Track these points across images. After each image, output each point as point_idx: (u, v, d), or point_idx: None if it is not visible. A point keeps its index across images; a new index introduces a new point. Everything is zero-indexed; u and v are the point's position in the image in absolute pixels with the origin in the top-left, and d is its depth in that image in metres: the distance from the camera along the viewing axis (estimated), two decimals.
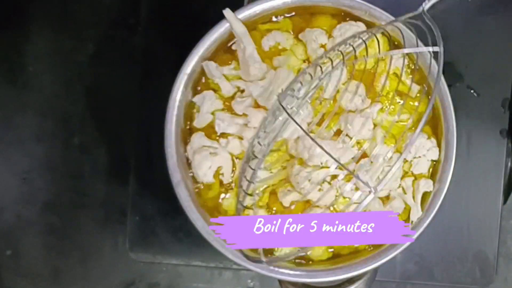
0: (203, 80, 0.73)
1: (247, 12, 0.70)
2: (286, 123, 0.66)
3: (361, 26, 0.71)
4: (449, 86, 0.69)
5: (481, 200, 0.81)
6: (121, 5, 0.95)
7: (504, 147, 0.81)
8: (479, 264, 0.82)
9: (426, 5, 0.63)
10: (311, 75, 0.64)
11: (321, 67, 0.65)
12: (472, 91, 0.82)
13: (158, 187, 0.85)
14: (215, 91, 0.72)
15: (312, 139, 0.56)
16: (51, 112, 0.95)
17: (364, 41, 0.64)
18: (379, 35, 0.71)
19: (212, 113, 0.72)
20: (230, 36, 0.72)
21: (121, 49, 0.94)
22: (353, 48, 0.65)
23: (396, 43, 0.71)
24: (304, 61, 0.72)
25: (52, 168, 0.95)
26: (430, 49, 0.57)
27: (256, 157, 0.64)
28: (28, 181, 0.95)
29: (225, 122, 0.70)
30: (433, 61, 0.61)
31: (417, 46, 0.59)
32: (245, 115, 0.70)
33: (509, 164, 0.81)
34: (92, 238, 0.94)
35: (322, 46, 0.71)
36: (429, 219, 0.68)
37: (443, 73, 0.68)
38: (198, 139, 0.71)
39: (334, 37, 0.71)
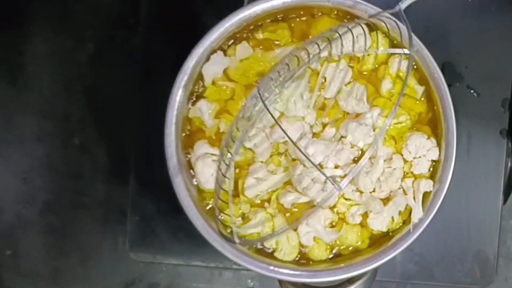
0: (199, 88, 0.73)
1: (247, 12, 0.70)
2: (263, 111, 0.66)
3: (363, 26, 0.71)
4: (449, 86, 0.69)
5: (481, 200, 0.81)
6: (121, 5, 0.95)
7: (504, 147, 0.81)
8: (479, 264, 0.82)
9: (403, 4, 0.63)
10: (288, 65, 0.64)
11: (298, 58, 0.65)
12: (472, 91, 0.82)
13: (158, 187, 0.85)
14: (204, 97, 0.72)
15: (283, 130, 0.56)
16: (51, 112, 0.95)
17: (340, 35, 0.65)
18: (381, 35, 0.71)
19: (216, 117, 0.72)
20: (230, 36, 0.72)
21: (121, 49, 0.94)
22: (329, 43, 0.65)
23: (395, 42, 0.71)
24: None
25: (52, 168, 0.95)
26: (402, 51, 0.59)
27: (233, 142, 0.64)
28: (28, 181, 0.95)
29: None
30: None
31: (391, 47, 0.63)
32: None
33: (509, 164, 0.81)
34: (92, 238, 0.94)
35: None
36: (429, 219, 0.68)
37: (443, 73, 0.69)
38: (200, 146, 0.71)
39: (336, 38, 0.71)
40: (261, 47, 0.72)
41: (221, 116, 0.72)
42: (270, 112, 0.58)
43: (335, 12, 0.72)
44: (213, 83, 0.72)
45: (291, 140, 0.58)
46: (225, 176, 0.61)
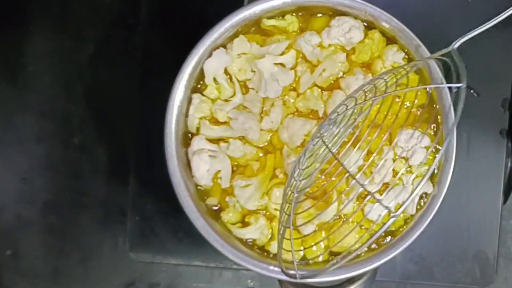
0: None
1: (247, 12, 0.70)
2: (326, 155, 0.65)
3: (358, 23, 0.72)
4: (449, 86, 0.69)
5: (481, 200, 0.81)
6: (121, 5, 0.94)
7: (504, 147, 0.81)
8: (479, 264, 0.82)
9: (456, 44, 0.64)
10: (346, 106, 0.65)
11: (356, 99, 0.65)
12: (472, 91, 0.82)
13: (158, 187, 0.84)
14: (202, 94, 0.73)
15: (352, 176, 0.56)
16: (51, 112, 0.95)
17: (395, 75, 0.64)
18: (379, 35, 0.72)
19: (200, 118, 0.72)
20: (230, 36, 0.72)
21: (121, 49, 0.94)
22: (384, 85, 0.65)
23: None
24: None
25: (52, 168, 0.95)
26: (454, 85, 0.58)
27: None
28: (28, 181, 0.95)
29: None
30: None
31: (442, 83, 0.63)
32: (227, 122, 0.72)
33: (509, 164, 0.81)
34: (92, 238, 0.94)
35: (318, 45, 0.72)
36: (429, 218, 0.68)
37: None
38: (197, 142, 0.71)
39: (331, 26, 0.71)
40: (257, 42, 0.73)
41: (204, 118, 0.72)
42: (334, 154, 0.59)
43: (330, 13, 0.73)
44: (214, 80, 0.72)
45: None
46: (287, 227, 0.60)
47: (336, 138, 0.64)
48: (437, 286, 0.84)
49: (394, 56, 0.71)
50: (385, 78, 0.63)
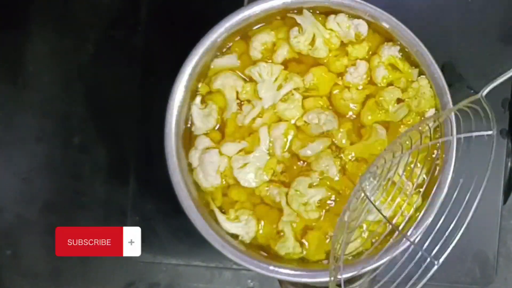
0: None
1: (247, 12, 0.70)
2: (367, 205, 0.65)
3: (362, 23, 0.72)
4: (449, 86, 0.69)
5: (481, 200, 0.81)
6: (121, 5, 0.95)
7: (504, 147, 0.81)
8: (479, 264, 0.82)
9: (485, 91, 0.65)
10: (385, 159, 0.65)
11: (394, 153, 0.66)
12: (472, 91, 0.82)
13: (158, 187, 0.84)
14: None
15: (389, 222, 0.58)
16: (51, 112, 0.95)
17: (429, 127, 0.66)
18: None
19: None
20: (230, 36, 0.72)
21: (121, 49, 0.94)
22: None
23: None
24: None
25: (52, 168, 0.95)
26: (485, 133, 0.60)
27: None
28: (28, 181, 0.95)
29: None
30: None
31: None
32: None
33: (509, 164, 0.81)
34: None
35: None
36: (429, 219, 0.68)
37: (443, 73, 0.69)
38: (201, 142, 0.71)
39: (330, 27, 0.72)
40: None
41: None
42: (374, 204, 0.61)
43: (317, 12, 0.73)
44: None
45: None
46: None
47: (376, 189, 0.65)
48: (437, 286, 0.84)
49: (389, 51, 0.71)
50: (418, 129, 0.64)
